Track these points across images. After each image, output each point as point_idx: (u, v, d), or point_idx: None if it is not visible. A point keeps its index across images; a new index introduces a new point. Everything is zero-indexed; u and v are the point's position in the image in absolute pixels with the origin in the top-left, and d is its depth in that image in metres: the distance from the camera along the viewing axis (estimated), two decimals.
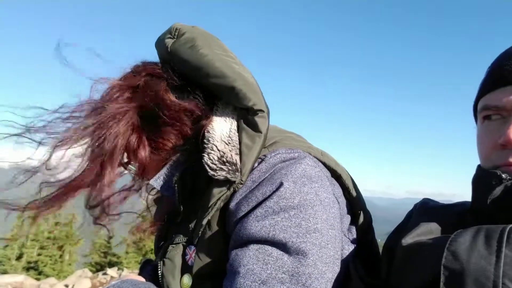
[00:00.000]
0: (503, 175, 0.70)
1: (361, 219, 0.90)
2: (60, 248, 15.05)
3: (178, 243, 0.86)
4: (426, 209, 0.88)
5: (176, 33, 0.87)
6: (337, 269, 0.74)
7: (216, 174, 0.78)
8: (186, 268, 0.84)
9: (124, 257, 15.00)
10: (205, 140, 0.81)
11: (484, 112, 0.78)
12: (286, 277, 0.68)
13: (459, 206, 0.87)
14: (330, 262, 0.72)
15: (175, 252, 0.85)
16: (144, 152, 0.87)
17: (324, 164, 0.86)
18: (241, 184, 0.78)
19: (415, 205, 0.93)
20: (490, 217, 0.71)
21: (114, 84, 0.87)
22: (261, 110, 0.83)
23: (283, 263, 0.69)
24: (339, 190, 0.86)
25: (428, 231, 0.77)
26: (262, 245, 0.71)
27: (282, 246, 0.70)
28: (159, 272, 0.86)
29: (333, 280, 0.72)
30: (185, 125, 0.87)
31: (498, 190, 0.70)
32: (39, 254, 14.64)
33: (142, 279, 0.89)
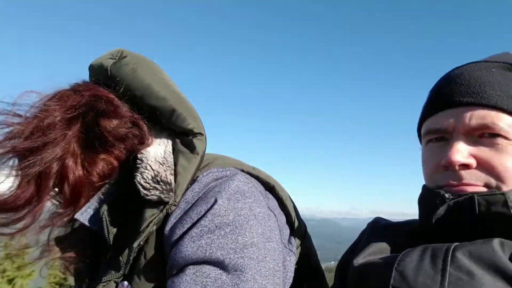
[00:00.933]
0: (446, 195, 0.72)
1: (297, 228, 0.91)
2: (11, 281, 14.10)
3: (109, 280, 0.80)
4: (377, 228, 0.89)
5: (118, 55, 0.86)
6: (278, 281, 0.74)
7: (149, 194, 0.75)
8: None
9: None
10: (138, 161, 0.79)
11: (427, 135, 0.82)
12: None
13: (409, 225, 0.89)
14: (269, 275, 0.71)
15: None
16: (78, 173, 0.81)
17: (257, 178, 0.87)
18: (174, 205, 0.76)
19: (368, 224, 0.94)
20: (436, 235, 0.73)
21: (50, 104, 0.81)
22: (200, 134, 0.83)
23: (222, 282, 0.67)
24: (274, 203, 0.87)
25: (379, 250, 0.78)
26: (199, 266, 0.69)
27: (219, 265, 0.68)
28: None
29: None
30: (122, 149, 0.83)
31: (441, 210, 0.72)
32: None
33: None
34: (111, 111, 0.82)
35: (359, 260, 0.76)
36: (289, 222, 0.89)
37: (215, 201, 0.73)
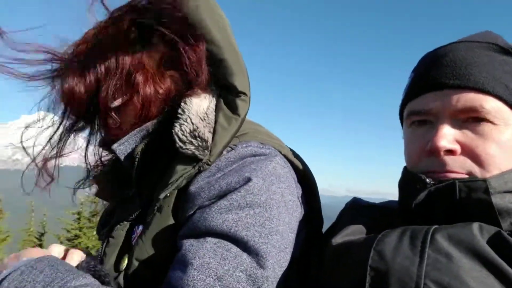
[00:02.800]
0: (427, 180, 0.72)
1: (314, 223, 0.90)
2: None
3: (127, 221, 0.81)
4: (356, 209, 0.90)
5: None
6: (290, 274, 0.74)
7: (184, 147, 0.73)
8: (128, 248, 0.79)
9: None
10: (179, 110, 0.76)
11: (411, 117, 0.81)
12: (243, 276, 0.65)
13: (388, 206, 0.90)
14: (285, 267, 0.71)
15: (121, 232, 0.81)
16: (149, 89, 0.80)
17: (293, 164, 0.84)
18: (208, 164, 0.74)
19: (346, 204, 0.95)
20: (414, 219, 0.74)
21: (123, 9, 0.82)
22: (244, 93, 0.80)
23: (241, 261, 0.66)
24: (302, 194, 0.85)
25: (358, 231, 0.78)
26: (222, 240, 0.68)
27: (242, 244, 0.67)
28: (101, 250, 0.82)
29: (286, 285, 0.72)
30: (178, 83, 0.82)
31: (422, 195, 0.72)
32: None
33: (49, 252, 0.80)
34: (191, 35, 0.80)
35: (337, 239, 0.77)
36: (308, 216, 0.87)
37: (250, 178, 0.71)
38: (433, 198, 0.71)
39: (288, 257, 0.72)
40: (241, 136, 0.81)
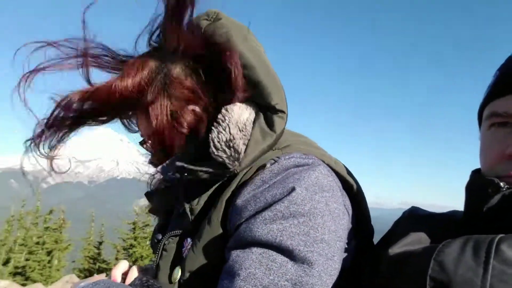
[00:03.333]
0: (501, 184, 0.68)
1: (364, 233, 0.89)
2: (49, 253, 14.83)
3: (178, 235, 0.84)
4: (415, 218, 0.86)
5: (214, 16, 0.86)
6: (339, 283, 0.72)
7: (216, 153, 0.77)
8: (179, 260, 0.82)
9: (114, 263, 14.82)
10: (221, 117, 0.80)
11: (491, 119, 0.76)
12: (288, 285, 0.65)
13: (449, 215, 0.85)
14: (334, 275, 0.70)
15: (173, 245, 0.84)
16: (164, 120, 0.85)
17: (337, 173, 0.84)
18: (235, 174, 0.78)
19: (404, 213, 0.91)
20: (483, 226, 0.69)
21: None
22: (282, 111, 0.82)
23: (286, 270, 0.66)
24: (349, 202, 0.84)
25: (417, 240, 0.75)
26: (267, 250, 0.68)
27: (287, 253, 0.67)
28: (154, 263, 0.85)
29: None
30: (210, 102, 0.86)
31: (495, 199, 0.68)
32: (27, 259, 14.39)
33: (116, 280, 0.86)
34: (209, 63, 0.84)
35: (395, 249, 0.74)
36: (356, 224, 0.86)
37: (293, 188, 0.71)
38: (507, 203, 0.66)
39: (337, 266, 0.71)
40: (283, 148, 0.82)
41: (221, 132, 0.77)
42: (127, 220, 15.48)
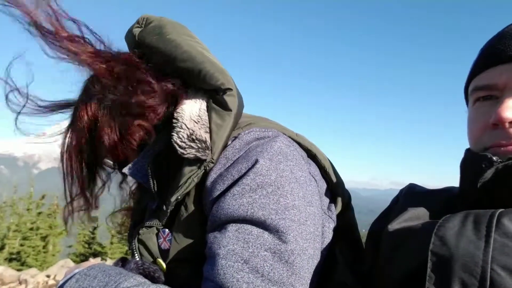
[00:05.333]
0: (494, 158, 0.68)
1: (339, 197, 0.90)
2: (44, 239, 14.84)
3: (152, 226, 0.85)
4: (412, 194, 0.87)
5: (144, 22, 0.88)
6: (317, 245, 0.74)
7: (185, 153, 0.78)
8: (160, 252, 0.83)
9: (109, 247, 14.88)
10: (174, 120, 0.81)
11: (475, 93, 0.77)
12: (268, 254, 0.67)
13: (447, 191, 0.86)
14: (310, 239, 0.72)
15: (148, 236, 0.85)
16: (113, 139, 0.86)
17: (299, 144, 0.86)
18: (212, 163, 0.78)
19: (401, 190, 0.92)
20: (479, 201, 0.70)
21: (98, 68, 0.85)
22: (229, 89, 0.83)
23: (264, 240, 0.68)
24: (315, 169, 0.86)
25: (415, 216, 0.76)
26: (241, 224, 0.70)
27: (261, 224, 0.69)
28: (136, 254, 0.85)
29: (315, 257, 0.72)
30: (157, 111, 0.86)
31: (489, 173, 0.68)
32: (21, 245, 14.40)
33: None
34: (143, 82, 0.85)
35: (394, 225, 0.75)
36: (330, 190, 0.89)
37: (257, 160, 0.73)
38: (501, 177, 0.66)
39: (311, 230, 0.73)
40: (245, 127, 0.84)
41: (179, 131, 0.79)
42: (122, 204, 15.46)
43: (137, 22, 0.89)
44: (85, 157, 0.89)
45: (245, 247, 0.67)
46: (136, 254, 0.85)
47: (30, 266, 12.75)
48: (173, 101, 0.86)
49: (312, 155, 0.88)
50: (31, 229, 14.83)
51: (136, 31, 0.87)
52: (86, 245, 15.28)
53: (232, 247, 0.68)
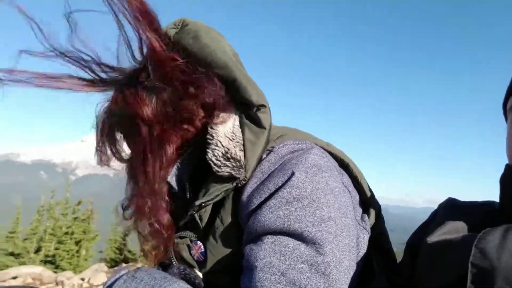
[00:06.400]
0: None
1: (372, 207, 0.90)
2: (77, 243, 15.28)
3: (185, 237, 0.86)
4: (452, 208, 0.87)
5: (180, 24, 0.87)
6: (353, 257, 0.74)
7: (220, 171, 0.78)
8: (195, 262, 0.85)
9: (139, 254, 15.12)
10: (209, 136, 0.81)
11: None
12: (305, 266, 0.67)
13: (486, 205, 0.85)
14: (346, 250, 0.72)
15: (182, 246, 0.86)
16: (170, 149, 0.84)
17: (331, 154, 0.86)
18: (245, 180, 0.78)
19: (440, 204, 0.92)
20: None
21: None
22: (263, 105, 0.82)
23: (300, 253, 0.68)
24: (348, 179, 0.86)
25: (455, 229, 0.76)
26: (278, 236, 0.70)
27: (298, 236, 0.69)
28: (174, 261, 0.87)
29: (351, 269, 0.72)
30: (198, 119, 0.85)
31: None
32: (56, 248, 14.89)
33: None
34: (190, 88, 0.83)
35: (433, 238, 0.75)
36: (363, 200, 0.89)
37: (293, 173, 0.73)
38: None
39: (346, 241, 0.72)
40: (277, 140, 0.84)
41: (215, 149, 0.79)
42: None
43: (174, 23, 0.87)
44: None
45: (282, 260, 0.68)
46: (174, 261, 0.87)
47: (64, 269, 13.13)
48: (209, 111, 0.84)
49: (344, 165, 0.88)
50: (66, 233, 15.31)
51: (172, 31, 0.85)
52: (117, 251, 15.60)
53: (269, 259, 0.68)
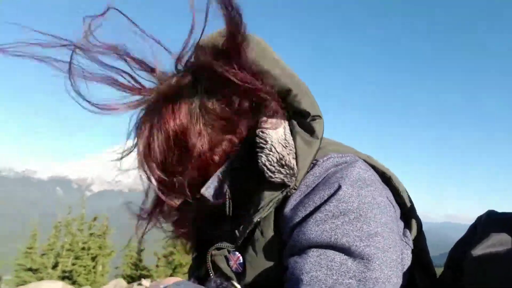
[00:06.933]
0: None
1: (413, 222, 0.87)
2: (93, 259, 15.39)
3: (223, 248, 0.84)
4: (494, 220, 0.85)
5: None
6: (400, 273, 0.72)
7: (273, 176, 0.75)
8: (233, 274, 0.82)
9: (155, 270, 15.15)
10: (261, 141, 0.78)
11: None
12: (353, 282, 0.65)
13: None
14: (394, 266, 0.69)
15: (220, 257, 0.84)
16: (203, 151, 0.82)
17: (373, 167, 0.84)
18: (294, 189, 0.76)
19: (479, 217, 0.90)
20: None
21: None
22: (319, 116, 0.81)
23: (348, 268, 0.66)
24: (390, 194, 0.83)
25: (499, 242, 0.75)
26: (324, 250, 0.69)
27: (345, 251, 0.68)
28: (211, 274, 0.85)
29: (397, 285, 0.69)
30: (245, 127, 0.83)
31: None
32: (73, 264, 15.03)
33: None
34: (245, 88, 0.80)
35: (477, 251, 0.74)
36: (404, 215, 0.87)
37: (339, 187, 0.72)
38: None
39: (394, 257, 0.70)
40: (318, 152, 0.81)
41: (269, 154, 0.77)
42: (165, 228, 15.83)
43: (220, 32, 0.83)
44: (167, 166, 0.85)
45: (328, 274, 0.66)
46: (211, 274, 0.85)
47: (81, 285, 13.20)
48: (258, 116, 0.82)
49: (386, 178, 0.85)
50: (83, 248, 15.46)
51: (220, 40, 0.82)
52: (133, 267, 15.66)
53: (315, 273, 0.66)
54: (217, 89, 0.82)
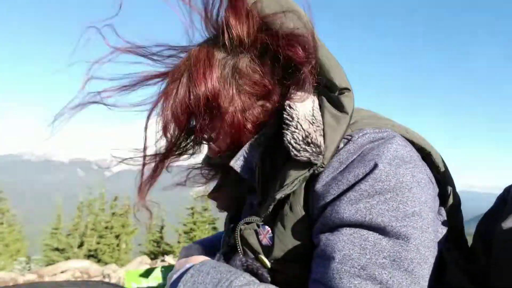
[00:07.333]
0: None
1: (451, 200, 0.84)
2: (117, 237, 15.86)
3: (252, 222, 0.83)
4: None
5: None
6: (436, 253, 0.70)
7: (299, 155, 0.72)
8: (261, 248, 0.82)
9: (177, 246, 15.56)
10: (287, 117, 0.75)
11: None
12: (387, 262, 0.64)
13: None
14: (431, 247, 0.68)
15: (249, 231, 0.83)
16: (237, 117, 0.80)
17: (411, 142, 0.80)
18: (322, 167, 0.73)
19: (506, 189, 0.88)
20: None
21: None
22: (347, 89, 0.77)
23: (382, 247, 0.65)
24: (429, 171, 0.80)
25: None
26: (357, 229, 0.67)
27: (380, 230, 0.66)
28: (239, 250, 0.84)
29: (432, 265, 0.68)
30: (278, 95, 0.81)
31: None
32: (98, 243, 15.54)
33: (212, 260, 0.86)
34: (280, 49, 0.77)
35: (508, 223, 0.72)
36: (441, 191, 0.82)
37: (375, 165, 0.69)
38: None
39: (432, 237, 0.68)
40: (351, 125, 0.78)
41: (295, 132, 0.73)
42: (185, 205, 16.18)
43: None
44: (191, 125, 0.84)
45: (362, 253, 0.65)
46: (240, 250, 0.84)
47: (106, 263, 13.69)
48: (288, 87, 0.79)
49: (425, 153, 0.81)
50: (106, 228, 15.94)
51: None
52: (155, 244, 16.09)
53: (348, 252, 0.65)
54: (254, 53, 0.80)
